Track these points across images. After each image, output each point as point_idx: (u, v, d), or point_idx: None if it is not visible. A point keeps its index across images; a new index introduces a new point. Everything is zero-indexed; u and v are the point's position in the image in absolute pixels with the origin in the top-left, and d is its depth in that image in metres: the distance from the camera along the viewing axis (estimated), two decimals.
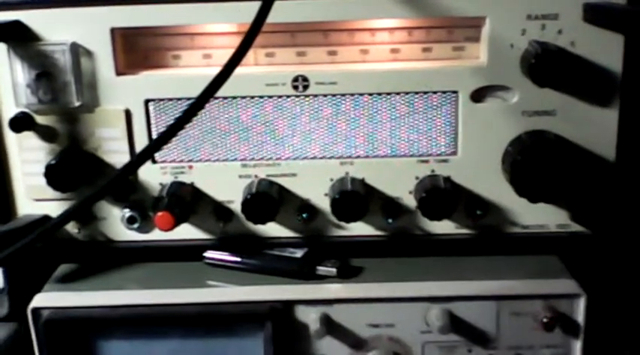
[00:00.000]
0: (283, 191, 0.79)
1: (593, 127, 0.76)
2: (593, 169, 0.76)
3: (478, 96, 0.76)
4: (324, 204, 0.79)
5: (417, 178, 0.78)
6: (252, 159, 0.79)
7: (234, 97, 0.77)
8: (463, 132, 0.77)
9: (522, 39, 0.73)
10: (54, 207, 0.80)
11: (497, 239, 0.80)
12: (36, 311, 0.77)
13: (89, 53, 0.76)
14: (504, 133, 0.76)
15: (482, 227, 0.79)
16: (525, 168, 0.73)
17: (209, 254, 0.82)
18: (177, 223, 0.76)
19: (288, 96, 0.77)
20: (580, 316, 0.75)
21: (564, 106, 0.75)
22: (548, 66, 0.70)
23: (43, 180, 0.77)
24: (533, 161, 0.72)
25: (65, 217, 0.70)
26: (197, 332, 0.79)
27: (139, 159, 0.70)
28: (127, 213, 0.80)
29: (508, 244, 0.80)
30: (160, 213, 0.75)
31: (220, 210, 0.80)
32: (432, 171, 0.78)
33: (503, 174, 0.76)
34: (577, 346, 0.76)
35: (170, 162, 0.79)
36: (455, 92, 0.76)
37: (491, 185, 0.78)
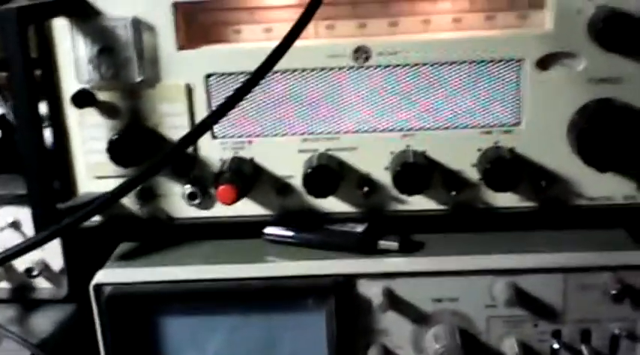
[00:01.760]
0: (343, 165, 0.79)
1: None
2: None
3: (543, 64, 0.74)
4: (384, 178, 0.78)
5: (479, 150, 0.77)
6: (312, 133, 0.78)
7: (294, 70, 0.77)
8: (528, 101, 0.75)
9: (589, 4, 0.72)
10: (115, 184, 0.79)
11: (562, 211, 0.78)
12: (98, 287, 0.77)
13: (150, 28, 0.76)
14: (570, 102, 0.75)
15: (546, 199, 0.78)
16: (593, 137, 0.71)
17: (269, 230, 0.82)
18: (239, 197, 0.75)
19: (349, 68, 0.76)
20: None
21: (631, 73, 0.73)
22: (616, 30, 0.69)
23: (104, 157, 0.77)
24: (601, 129, 0.71)
25: (123, 189, 0.70)
26: (258, 307, 0.79)
27: (197, 130, 0.70)
28: (188, 189, 0.80)
29: (574, 217, 0.78)
30: (222, 187, 0.75)
31: (280, 185, 0.80)
32: (496, 142, 0.76)
33: (569, 144, 0.75)
34: None
35: (230, 137, 0.79)
36: (519, 60, 0.75)
37: (557, 156, 0.76)
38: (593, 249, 0.76)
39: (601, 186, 0.77)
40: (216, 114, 0.69)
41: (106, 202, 0.71)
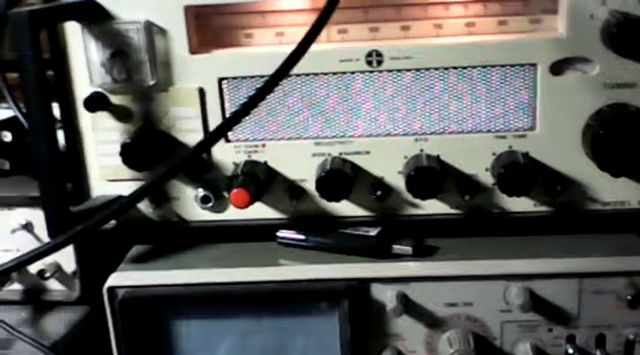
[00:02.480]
0: (357, 169, 0.78)
1: None
2: None
3: (557, 68, 0.74)
4: (397, 182, 0.78)
5: (494, 154, 0.76)
6: (326, 137, 0.78)
7: (307, 74, 0.77)
8: (542, 106, 0.75)
9: (603, 9, 0.72)
10: (128, 187, 0.80)
11: (576, 216, 0.78)
12: (111, 290, 0.77)
13: (163, 32, 0.76)
14: (584, 107, 0.74)
15: (560, 204, 0.78)
16: (608, 142, 0.71)
17: (282, 233, 0.81)
18: (252, 200, 0.76)
19: (362, 72, 0.76)
20: None
21: None
22: (630, 35, 0.68)
23: (117, 161, 0.77)
24: (616, 134, 0.71)
25: (139, 194, 0.71)
26: (271, 310, 0.78)
27: (212, 136, 0.70)
28: (201, 192, 0.80)
29: (588, 221, 0.78)
30: (235, 190, 0.75)
31: (293, 189, 0.80)
32: (510, 146, 0.76)
33: (583, 148, 0.75)
34: None
35: (243, 141, 0.79)
36: (533, 65, 0.74)
37: (571, 160, 0.76)
38: (607, 254, 0.75)
39: (615, 191, 0.77)
40: (233, 120, 0.69)
41: (123, 207, 0.71)
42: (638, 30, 0.69)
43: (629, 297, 0.73)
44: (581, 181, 0.77)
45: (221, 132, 0.70)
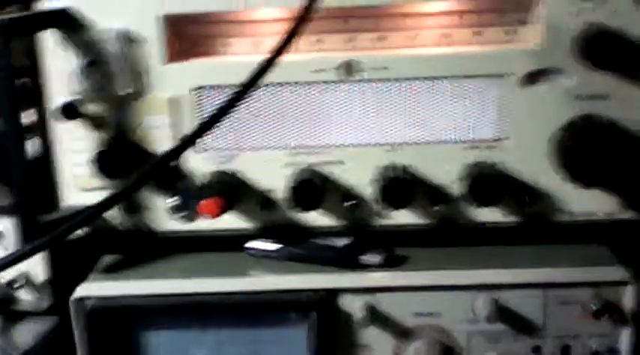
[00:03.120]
0: (328, 179, 0.79)
1: None
2: None
3: (531, 79, 0.75)
4: (369, 192, 0.79)
5: (464, 165, 0.77)
6: (298, 147, 0.79)
7: (281, 84, 0.77)
8: (514, 117, 0.76)
9: (577, 21, 0.73)
10: (100, 197, 0.79)
11: (545, 227, 0.79)
12: (80, 300, 0.77)
13: (139, 41, 0.77)
14: (556, 118, 0.75)
15: (529, 215, 0.79)
16: (578, 153, 0.72)
17: (252, 243, 0.82)
18: (223, 210, 0.76)
19: (335, 82, 0.77)
20: (629, 304, 0.75)
21: (617, 90, 0.75)
22: (603, 47, 0.70)
23: (89, 170, 0.77)
24: (586, 146, 0.72)
25: (108, 202, 0.70)
26: (240, 321, 0.79)
27: (182, 145, 0.70)
28: (172, 202, 0.81)
29: (556, 232, 0.79)
30: (206, 200, 0.75)
31: (264, 199, 0.80)
32: (481, 157, 0.77)
33: (553, 159, 0.76)
34: (625, 334, 0.76)
35: (215, 150, 0.79)
36: (507, 76, 0.75)
37: (541, 172, 0.77)
38: (574, 265, 0.76)
39: (583, 202, 0.78)
40: (203, 128, 0.69)
41: (92, 215, 0.71)
42: (611, 42, 0.70)
43: (594, 308, 0.74)
44: (550, 192, 0.78)
45: (192, 140, 0.70)
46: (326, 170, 0.79)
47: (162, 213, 0.81)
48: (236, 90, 0.66)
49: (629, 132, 0.75)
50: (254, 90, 0.68)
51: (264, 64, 0.66)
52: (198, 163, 0.80)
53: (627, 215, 0.78)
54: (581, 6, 0.73)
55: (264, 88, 0.77)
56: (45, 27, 0.76)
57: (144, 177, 0.70)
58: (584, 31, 0.72)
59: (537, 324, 0.76)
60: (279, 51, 0.66)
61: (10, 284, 0.87)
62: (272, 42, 0.73)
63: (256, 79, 0.66)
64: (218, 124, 0.69)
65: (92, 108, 0.78)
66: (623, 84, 0.74)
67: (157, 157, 0.79)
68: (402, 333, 0.77)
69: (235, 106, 0.67)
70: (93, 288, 0.78)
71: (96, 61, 0.77)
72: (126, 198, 0.80)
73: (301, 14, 0.66)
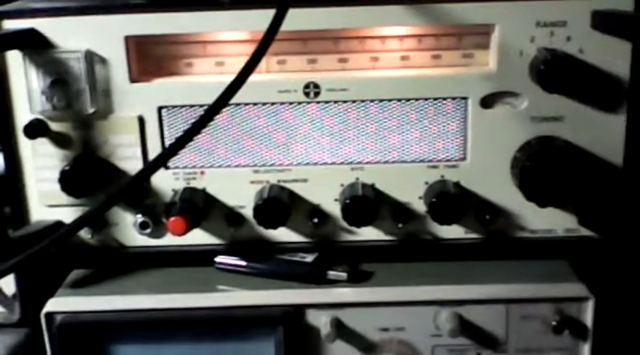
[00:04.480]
0: (294, 196, 0.80)
1: (601, 133, 0.77)
2: (601, 174, 0.77)
3: (487, 102, 0.77)
4: (334, 209, 0.80)
5: (426, 183, 0.79)
6: (264, 165, 0.80)
7: (246, 104, 0.78)
8: (472, 137, 0.78)
9: (531, 46, 0.75)
10: (67, 213, 0.81)
11: (505, 243, 0.80)
12: (49, 315, 0.78)
13: (103, 61, 0.77)
14: (513, 139, 0.77)
15: (491, 232, 0.80)
16: (534, 174, 0.74)
17: (220, 259, 0.82)
18: (189, 228, 0.76)
19: (299, 103, 0.78)
20: (588, 319, 0.76)
21: (572, 112, 0.76)
22: (556, 72, 0.71)
23: (56, 186, 0.78)
24: (542, 166, 0.73)
25: (79, 223, 0.70)
26: (209, 336, 0.79)
27: (153, 165, 0.71)
28: (140, 218, 0.81)
29: (517, 248, 0.81)
30: (172, 218, 0.76)
31: (232, 216, 0.81)
32: (442, 176, 0.78)
33: (512, 179, 0.77)
34: (585, 349, 0.77)
35: (182, 168, 0.80)
36: (464, 98, 0.77)
37: (500, 190, 0.79)
38: (534, 281, 0.78)
39: (543, 220, 0.80)
40: (174, 148, 0.69)
41: (62, 237, 0.71)
42: (564, 67, 0.71)
43: (554, 323, 0.75)
44: (510, 210, 0.79)
45: (162, 161, 0.70)
46: (292, 188, 0.79)
47: (131, 229, 0.82)
48: (206, 109, 0.67)
49: (584, 153, 0.76)
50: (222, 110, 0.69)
51: (233, 84, 0.67)
52: (166, 180, 0.80)
53: (586, 232, 0.80)
54: (536, 32, 0.74)
55: (230, 107, 0.78)
56: (10, 47, 0.77)
57: (115, 197, 0.70)
58: (538, 57, 0.73)
59: (500, 338, 0.78)
60: (248, 71, 0.67)
61: None
62: (234, 62, 0.75)
63: (226, 99, 0.67)
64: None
65: (57, 126, 0.79)
66: (578, 106, 0.76)
67: (127, 175, 0.80)
68: (368, 348, 0.78)
69: (205, 126, 0.68)
70: (62, 303, 0.79)
71: (60, 80, 0.77)
72: (98, 217, 0.80)
73: (268, 35, 0.67)
